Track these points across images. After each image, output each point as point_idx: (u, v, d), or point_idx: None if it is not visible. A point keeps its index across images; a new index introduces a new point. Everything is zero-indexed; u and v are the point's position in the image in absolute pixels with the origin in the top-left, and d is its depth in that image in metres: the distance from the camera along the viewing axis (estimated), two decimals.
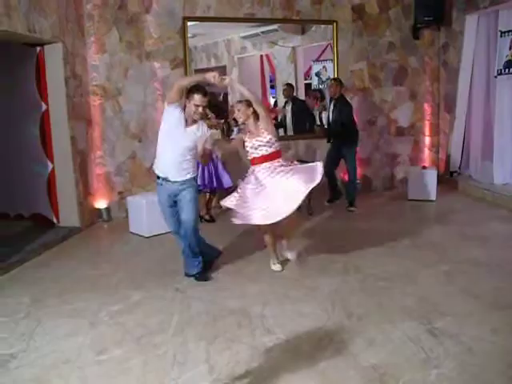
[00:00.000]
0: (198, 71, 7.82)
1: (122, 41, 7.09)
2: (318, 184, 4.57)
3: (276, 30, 8.13)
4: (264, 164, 4.67)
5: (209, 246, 5.05)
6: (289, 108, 8.35)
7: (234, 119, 8.27)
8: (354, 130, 7.33)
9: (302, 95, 8.57)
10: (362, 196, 8.21)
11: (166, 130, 4.51)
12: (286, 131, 8.39)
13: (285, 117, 8.40)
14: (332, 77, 8.06)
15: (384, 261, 5.11)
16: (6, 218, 6.98)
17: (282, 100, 8.47)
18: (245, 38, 8.24)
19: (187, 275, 4.83)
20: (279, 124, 8.38)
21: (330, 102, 7.47)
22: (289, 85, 8.38)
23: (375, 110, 8.52)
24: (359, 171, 8.47)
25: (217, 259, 5.13)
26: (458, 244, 5.63)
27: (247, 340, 3.58)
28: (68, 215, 6.59)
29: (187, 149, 4.51)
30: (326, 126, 7.81)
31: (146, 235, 6.29)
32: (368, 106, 8.46)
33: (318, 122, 8.49)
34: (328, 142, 7.57)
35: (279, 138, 5.00)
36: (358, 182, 8.07)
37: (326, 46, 8.33)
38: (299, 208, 7.04)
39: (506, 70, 7.44)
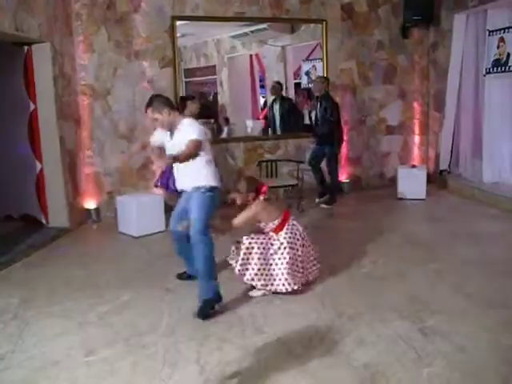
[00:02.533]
0: (187, 71, 7.83)
1: (110, 40, 7.03)
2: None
3: (265, 29, 8.11)
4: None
5: None
6: (277, 107, 8.29)
7: (225, 118, 8.29)
8: (339, 128, 7.30)
9: (291, 94, 8.56)
10: (352, 195, 8.25)
11: None
12: (274, 131, 8.36)
13: (273, 116, 8.34)
14: (321, 76, 8.06)
15: (374, 259, 5.12)
16: None
17: (271, 98, 8.42)
18: (234, 37, 8.23)
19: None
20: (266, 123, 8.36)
21: (316, 100, 7.42)
22: (277, 83, 8.35)
23: (365, 109, 8.53)
24: (349, 170, 8.51)
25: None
26: (448, 242, 5.64)
27: (238, 340, 3.56)
28: (57, 216, 6.53)
29: None
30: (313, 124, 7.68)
31: (136, 235, 6.25)
32: (357, 104, 8.46)
33: (308, 122, 8.27)
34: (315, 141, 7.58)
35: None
36: (343, 182, 8.18)
37: (316, 45, 8.31)
38: (289, 206, 7.19)
39: (495, 69, 7.47)
